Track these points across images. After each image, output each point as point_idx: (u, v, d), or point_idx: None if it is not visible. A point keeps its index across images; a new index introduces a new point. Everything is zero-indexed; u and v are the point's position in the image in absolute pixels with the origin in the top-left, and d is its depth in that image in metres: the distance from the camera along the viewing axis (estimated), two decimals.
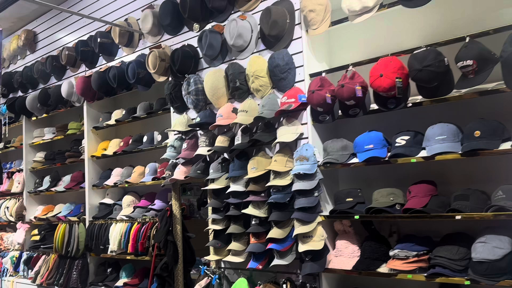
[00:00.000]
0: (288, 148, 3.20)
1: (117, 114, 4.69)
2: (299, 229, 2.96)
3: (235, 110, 3.47)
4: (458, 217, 2.46)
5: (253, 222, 3.22)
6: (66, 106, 5.25)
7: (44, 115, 5.58)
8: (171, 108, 4.05)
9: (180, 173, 3.71)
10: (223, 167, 3.49)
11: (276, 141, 3.17)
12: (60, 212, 5.24)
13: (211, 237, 3.56)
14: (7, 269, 5.68)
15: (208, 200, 3.63)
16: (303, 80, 3.19)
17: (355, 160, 2.90)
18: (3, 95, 6.11)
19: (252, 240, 3.22)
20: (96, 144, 4.93)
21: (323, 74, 3.07)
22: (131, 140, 4.57)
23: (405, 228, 2.96)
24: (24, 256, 5.53)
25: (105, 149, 4.78)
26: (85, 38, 4.96)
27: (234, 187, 3.32)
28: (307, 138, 3.13)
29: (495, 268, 2.34)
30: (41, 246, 5.37)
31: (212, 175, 3.49)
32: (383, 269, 2.75)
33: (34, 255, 5.41)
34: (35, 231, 5.58)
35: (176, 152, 3.83)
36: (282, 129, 3.19)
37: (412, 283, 2.80)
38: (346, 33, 3.27)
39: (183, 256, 3.83)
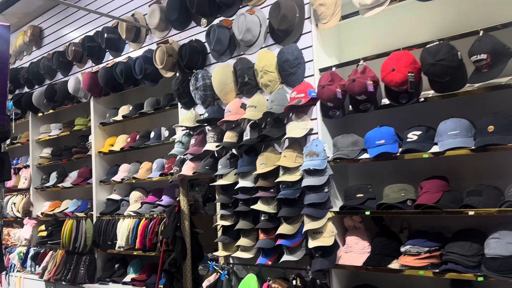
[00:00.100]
0: (298, 144, 3.17)
1: (124, 110, 4.68)
2: (309, 225, 2.94)
3: (243, 106, 3.46)
4: (471, 212, 2.44)
5: (262, 218, 3.20)
6: (72, 102, 5.24)
7: (51, 111, 5.57)
8: (179, 104, 4.03)
9: (188, 169, 3.70)
10: (231, 163, 3.48)
11: (286, 136, 3.15)
12: (67, 208, 5.24)
13: (219, 233, 3.55)
14: (15, 265, 5.70)
15: (217, 196, 3.62)
16: (312, 75, 3.16)
17: (365, 155, 2.88)
18: (9, 91, 6.10)
19: (262, 236, 3.21)
20: (103, 140, 4.92)
21: (333, 69, 3.05)
22: (138, 136, 4.56)
23: (415, 224, 2.94)
24: (31, 252, 5.54)
25: (112, 145, 4.77)
26: (91, 33, 4.95)
27: (243, 183, 3.30)
28: (316, 133, 3.11)
29: (509, 264, 2.33)
30: (48, 242, 5.37)
31: (221, 171, 3.47)
32: (394, 265, 2.73)
33: (41, 251, 5.42)
34: (42, 227, 5.58)
35: (184, 148, 3.82)
36: (292, 124, 3.17)
37: (422, 279, 2.79)
38: (356, 27, 3.24)
39: (191, 251, 3.83)
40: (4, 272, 5.59)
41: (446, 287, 2.76)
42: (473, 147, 2.48)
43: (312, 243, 2.93)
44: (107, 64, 4.65)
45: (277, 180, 3.11)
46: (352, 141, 2.96)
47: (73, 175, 5.20)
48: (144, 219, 4.23)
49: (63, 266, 4.92)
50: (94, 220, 4.79)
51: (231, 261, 3.57)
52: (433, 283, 2.84)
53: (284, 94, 3.25)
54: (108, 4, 4.80)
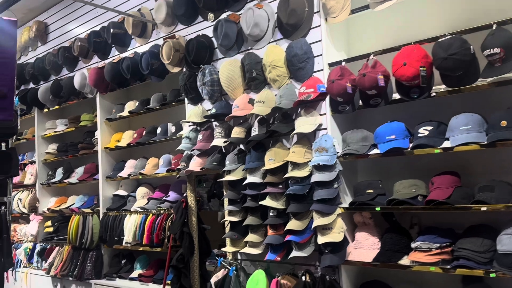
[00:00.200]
0: (307, 139, 3.15)
1: (130, 105, 4.67)
2: (318, 221, 2.92)
3: (251, 101, 3.43)
4: (483, 208, 2.41)
5: (271, 214, 3.19)
6: (78, 98, 5.23)
7: (56, 106, 5.56)
8: (186, 99, 4.01)
9: (195, 164, 3.68)
10: (239, 159, 3.46)
11: (294, 132, 3.12)
12: (73, 204, 5.25)
13: (227, 228, 3.54)
14: (21, 261, 5.71)
15: (224, 192, 3.60)
16: (321, 70, 3.13)
17: (375, 151, 2.85)
18: (15, 87, 6.09)
19: (270, 231, 3.19)
20: (109, 135, 4.91)
21: (343, 63, 3.02)
22: (144, 132, 4.54)
23: (426, 220, 2.91)
24: (38, 247, 5.55)
25: (119, 141, 4.76)
26: (97, 28, 4.93)
27: (251, 179, 3.29)
28: (326, 129, 3.08)
29: None
30: (55, 238, 5.38)
31: (229, 167, 3.46)
32: (405, 261, 2.71)
33: (48, 247, 5.43)
34: (48, 223, 5.59)
35: (191, 143, 3.81)
36: (300, 119, 3.15)
37: (432, 276, 2.77)
38: (366, 21, 3.20)
39: (199, 247, 3.82)
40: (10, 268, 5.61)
41: (456, 284, 2.73)
42: (485, 142, 2.45)
43: (321, 239, 2.91)
44: (113, 59, 4.63)
45: (286, 175, 3.10)
46: (362, 137, 2.94)
47: (79, 171, 5.20)
48: (151, 215, 4.22)
49: (70, 262, 4.93)
50: (101, 216, 4.78)
51: (239, 257, 3.56)
52: (443, 280, 2.82)
53: (293, 89, 3.23)
54: None
